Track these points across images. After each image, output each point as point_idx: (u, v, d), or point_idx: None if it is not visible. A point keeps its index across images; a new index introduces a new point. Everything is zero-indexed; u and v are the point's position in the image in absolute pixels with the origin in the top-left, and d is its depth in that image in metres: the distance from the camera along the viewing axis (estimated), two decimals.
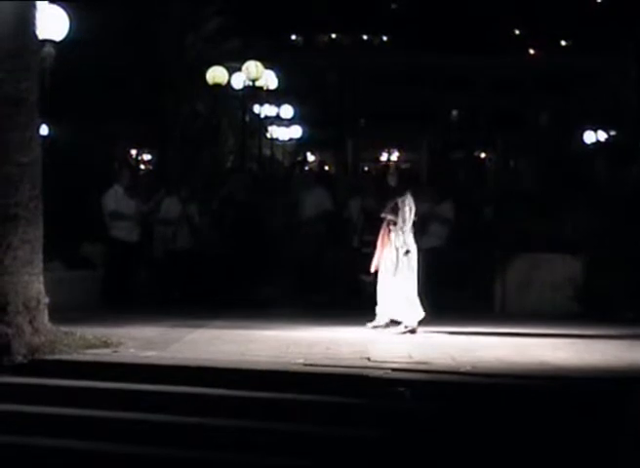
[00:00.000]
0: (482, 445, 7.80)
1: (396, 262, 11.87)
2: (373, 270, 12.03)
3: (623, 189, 13.94)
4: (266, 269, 15.41)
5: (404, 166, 45.04)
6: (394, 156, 51.30)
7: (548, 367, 9.17)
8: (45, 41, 11.37)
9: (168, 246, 15.39)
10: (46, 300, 10.10)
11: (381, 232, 12.03)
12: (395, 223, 11.94)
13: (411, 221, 11.95)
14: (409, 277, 11.86)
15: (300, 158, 32.84)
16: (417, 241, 12.19)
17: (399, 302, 11.81)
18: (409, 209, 11.95)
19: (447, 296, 14.16)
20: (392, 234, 11.94)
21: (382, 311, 11.97)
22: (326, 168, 26.72)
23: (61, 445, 8.34)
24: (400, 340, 11.18)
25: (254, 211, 15.98)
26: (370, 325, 11.97)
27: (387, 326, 11.92)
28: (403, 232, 11.91)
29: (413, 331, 11.72)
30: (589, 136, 34.46)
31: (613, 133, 32.46)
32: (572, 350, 10.26)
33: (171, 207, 15.51)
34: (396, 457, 7.84)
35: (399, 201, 11.99)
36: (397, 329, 11.79)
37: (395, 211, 11.97)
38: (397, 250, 11.90)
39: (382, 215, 12.02)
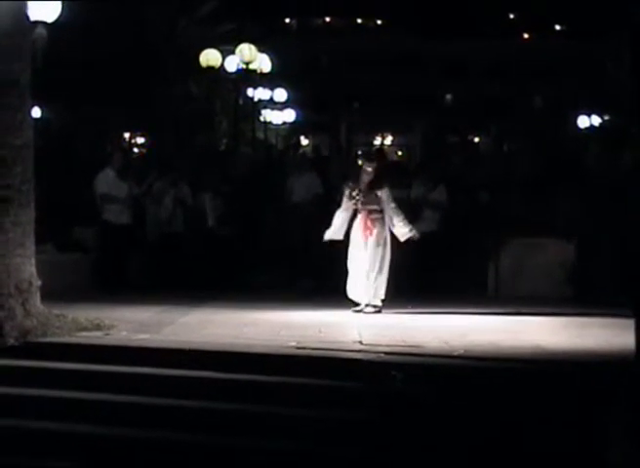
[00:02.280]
0: (474, 428, 7.80)
1: (382, 254, 11.97)
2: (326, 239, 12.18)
3: (616, 174, 13.93)
4: (259, 253, 15.41)
5: (395, 151, 45.07)
6: (388, 140, 51.26)
7: (540, 351, 9.17)
8: (37, 22, 11.30)
9: (162, 229, 15.37)
10: (38, 283, 10.09)
11: (362, 221, 12.06)
12: (380, 212, 12.01)
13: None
14: (387, 266, 12.06)
15: (293, 141, 32.78)
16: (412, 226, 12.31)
17: (372, 288, 12.00)
18: (392, 199, 12.07)
19: (440, 280, 14.17)
20: (377, 224, 12.00)
21: (361, 296, 12.08)
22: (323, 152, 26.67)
23: (53, 427, 8.33)
24: (393, 324, 11.18)
25: (247, 194, 15.97)
26: (355, 309, 12.04)
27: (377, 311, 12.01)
28: (396, 224, 11.99)
29: (380, 311, 11.97)
30: (583, 121, 34.44)
31: (607, 117, 32.44)
32: (564, 334, 10.28)
33: (162, 189, 15.48)
34: (388, 440, 7.85)
35: (380, 193, 12.06)
36: (367, 309, 12.00)
37: (377, 201, 12.03)
38: (385, 240, 11.99)
39: (358, 206, 12.06)
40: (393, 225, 12.07)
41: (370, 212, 12.08)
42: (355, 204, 12.11)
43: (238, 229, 15.44)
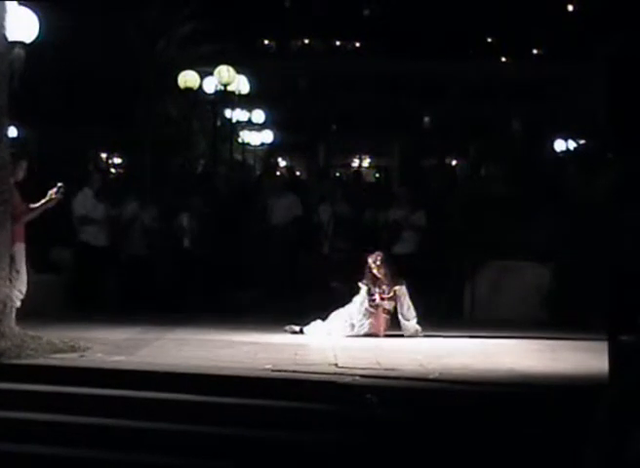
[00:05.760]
0: (448, 452, 7.82)
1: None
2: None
3: (593, 198, 14.02)
4: (238, 275, 15.39)
5: (373, 173, 45.15)
6: (366, 162, 51.40)
7: (516, 374, 9.20)
8: (14, 43, 11.27)
9: (140, 250, 15.35)
10: (12, 304, 10.04)
11: (377, 319, 12.08)
12: (388, 312, 12.03)
13: None
14: None
15: (271, 163, 32.79)
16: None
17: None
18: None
19: (416, 302, 14.20)
20: (386, 324, 12.12)
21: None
22: (297, 173, 26.76)
23: (27, 450, 8.28)
24: (369, 346, 11.19)
25: (227, 215, 15.97)
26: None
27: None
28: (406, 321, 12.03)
29: None
30: (560, 145, 34.61)
31: (582, 141, 32.60)
32: (540, 358, 10.31)
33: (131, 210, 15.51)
34: (363, 464, 7.84)
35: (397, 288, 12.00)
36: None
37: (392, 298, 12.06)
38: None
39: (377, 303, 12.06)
40: (404, 319, 12.00)
41: (384, 311, 12.04)
42: (375, 304, 11.96)
43: (214, 250, 15.41)
